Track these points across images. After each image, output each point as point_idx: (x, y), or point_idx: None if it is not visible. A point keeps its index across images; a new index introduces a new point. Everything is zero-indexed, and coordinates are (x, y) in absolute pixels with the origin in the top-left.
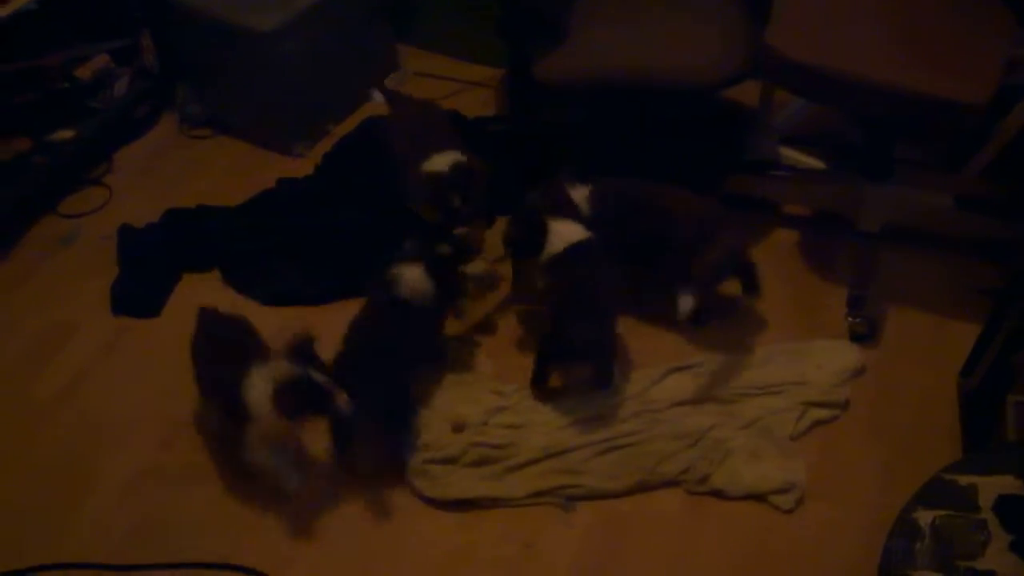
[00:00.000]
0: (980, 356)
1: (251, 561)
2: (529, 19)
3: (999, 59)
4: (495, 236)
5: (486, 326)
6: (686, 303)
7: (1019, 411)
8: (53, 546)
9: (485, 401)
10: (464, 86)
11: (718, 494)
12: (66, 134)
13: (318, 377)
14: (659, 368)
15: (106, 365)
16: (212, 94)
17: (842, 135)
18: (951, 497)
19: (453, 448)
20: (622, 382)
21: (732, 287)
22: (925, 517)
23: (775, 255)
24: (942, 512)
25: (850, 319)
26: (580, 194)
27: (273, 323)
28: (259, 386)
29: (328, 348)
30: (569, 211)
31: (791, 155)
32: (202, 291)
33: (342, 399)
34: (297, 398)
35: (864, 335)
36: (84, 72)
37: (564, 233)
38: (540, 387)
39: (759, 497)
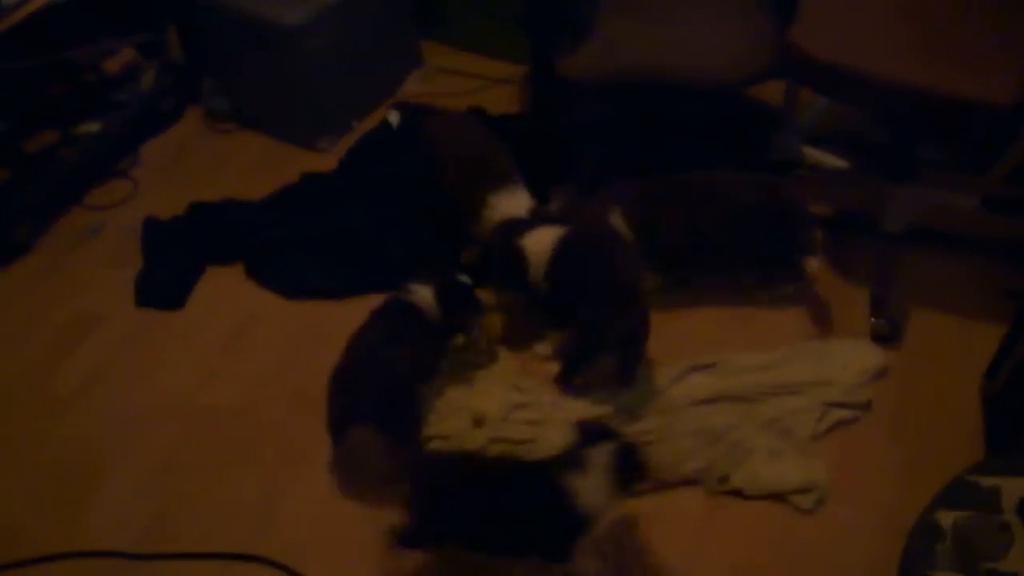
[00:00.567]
0: (1004, 358)
1: (271, 553)
2: (554, 16)
3: None
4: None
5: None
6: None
7: None
8: (72, 535)
9: (505, 396)
10: (488, 83)
11: (738, 493)
12: (93, 127)
13: None
14: (679, 366)
15: (129, 356)
16: (237, 88)
17: (866, 135)
18: (973, 498)
19: (473, 442)
20: (641, 380)
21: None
22: (947, 518)
23: None
24: (964, 513)
25: (873, 320)
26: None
27: (295, 316)
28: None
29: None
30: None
31: (815, 155)
32: (226, 284)
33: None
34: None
35: (887, 336)
36: (111, 65)
37: (540, 240)
38: (568, 384)
39: (779, 497)
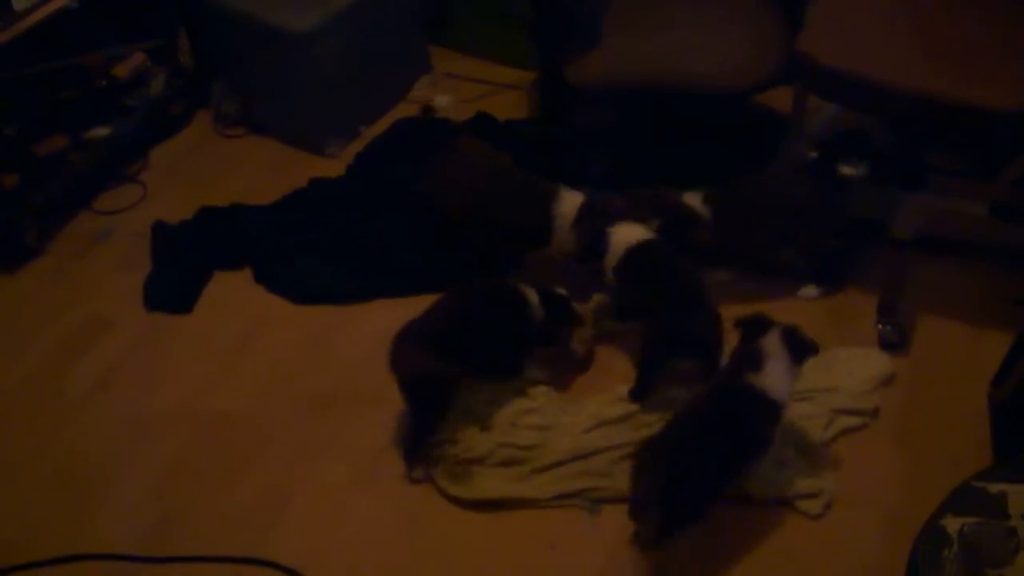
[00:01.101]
0: (1012, 366)
1: (279, 557)
2: (562, 22)
3: None
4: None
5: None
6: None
7: None
8: (81, 538)
9: (512, 402)
10: (495, 88)
11: (746, 498)
12: (102, 131)
13: None
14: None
15: (138, 360)
16: (246, 93)
17: (875, 142)
18: (980, 504)
19: (481, 448)
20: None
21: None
22: (954, 524)
23: None
24: (971, 519)
25: (881, 327)
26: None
27: (303, 321)
28: None
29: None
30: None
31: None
32: (234, 288)
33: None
34: None
35: (895, 343)
36: (121, 70)
37: (628, 234)
38: (643, 396)
39: (787, 502)
